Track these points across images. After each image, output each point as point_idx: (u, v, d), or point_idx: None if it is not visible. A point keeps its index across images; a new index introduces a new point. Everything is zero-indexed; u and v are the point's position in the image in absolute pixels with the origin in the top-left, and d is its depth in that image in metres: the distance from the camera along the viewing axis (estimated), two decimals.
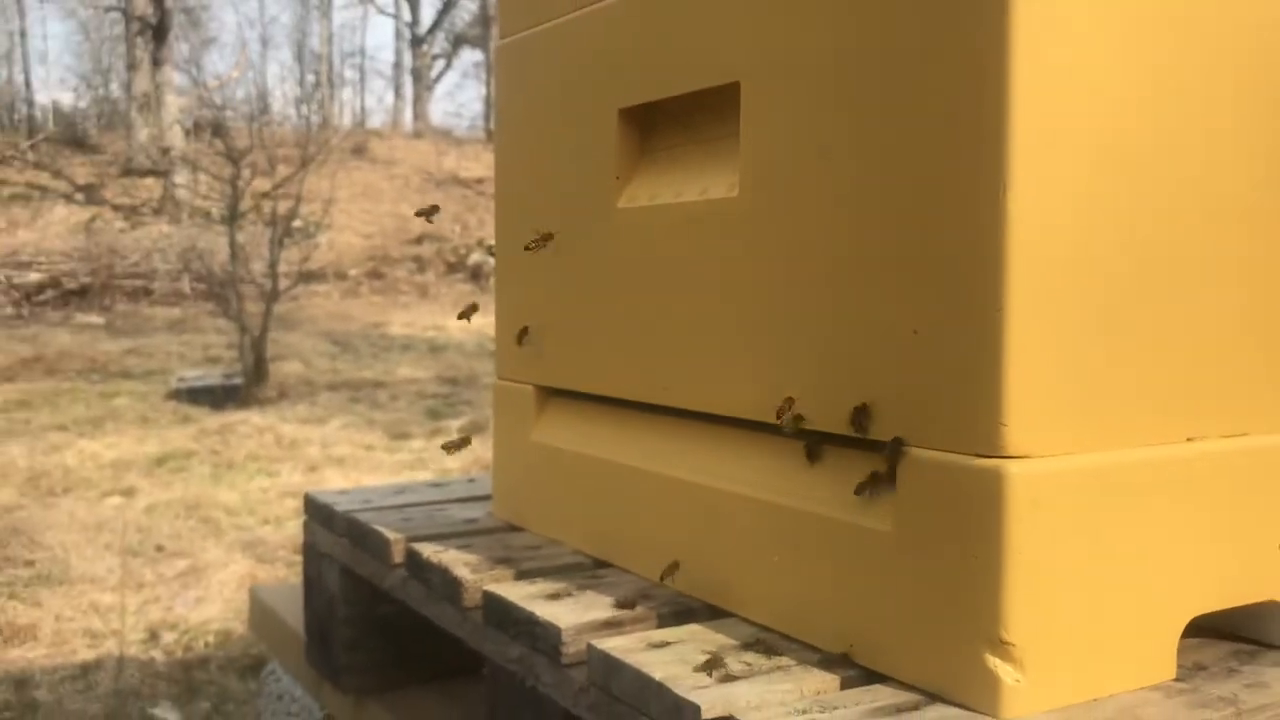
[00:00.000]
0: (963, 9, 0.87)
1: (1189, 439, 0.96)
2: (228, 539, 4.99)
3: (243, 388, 8.50)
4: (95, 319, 12.96)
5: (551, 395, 1.45)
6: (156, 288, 13.99)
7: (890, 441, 0.93)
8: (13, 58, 25.81)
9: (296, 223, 10.73)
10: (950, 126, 0.88)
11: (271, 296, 8.92)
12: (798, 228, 1.03)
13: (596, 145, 1.30)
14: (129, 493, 5.83)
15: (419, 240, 16.49)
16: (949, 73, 0.88)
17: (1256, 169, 0.99)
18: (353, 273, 15.34)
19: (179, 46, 19.03)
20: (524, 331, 1.44)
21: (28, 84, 25.49)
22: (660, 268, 1.20)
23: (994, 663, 0.86)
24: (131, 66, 18.89)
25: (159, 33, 17.68)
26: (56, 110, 23.54)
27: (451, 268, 15.81)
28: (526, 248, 1.36)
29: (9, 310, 13.38)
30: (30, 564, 4.61)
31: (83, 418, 7.88)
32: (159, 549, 4.83)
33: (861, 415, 0.96)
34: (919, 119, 0.91)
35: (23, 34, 25.60)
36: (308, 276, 12.37)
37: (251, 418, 7.63)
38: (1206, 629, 1.05)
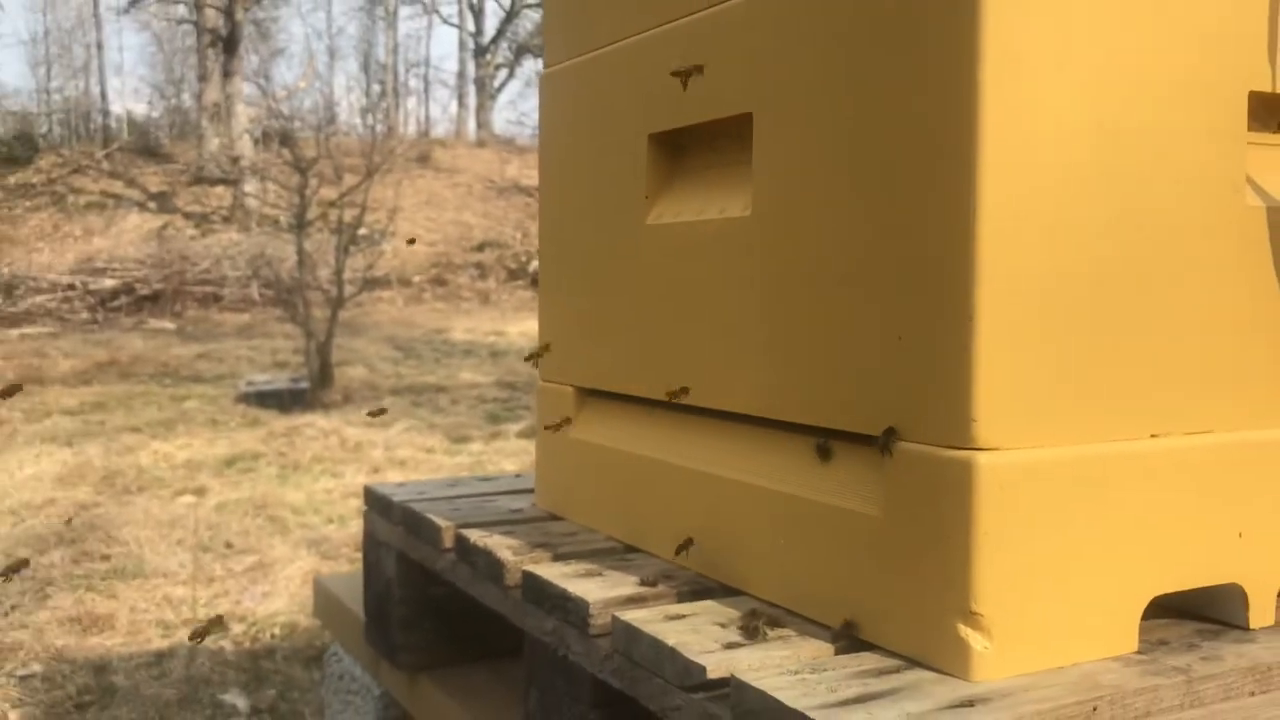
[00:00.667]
0: (938, 51, 0.98)
1: (1153, 435, 1.06)
2: (293, 537, 5.18)
3: (309, 391, 8.74)
4: (167, 324, 13.35)
5: (589, 396, 1.57)
6: (226, 294, 14.36)
7: (883, 431, 1.04)
8: (89, 69, 26.57)
9: (362, 231, 11.00)
10: (928, 155, 0.99)
11: (337, 303, 9.16)
12: (801, 243, 1.14)
13: (629, 167, 1.42)
14: (200, 492, 6.05)
15: (481, 247, 16.75)
16: (926, 106, 0.99)
17: (1215, 177, 1.08)
18: (416, 279, 15.63)
19: (249, 58, 19.50)
20: (545, 348, 1.59)
21: (103, 95, 26.23)
22: (683, 280, 1.32)
23: (965, 631, 0.97)
24: (203, 78, 19.39)
25: (229, 44, 18.14)
26: (130, 120, 24.20)
27: (512, 274, 16.05)
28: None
29: (84, 316, 13.81)
30: (107, 558, 4.83)
31: (155, 420, 8.16)
32: (228, 545, 5.03)
33: (889, 436, 1.04)
34: (902, 147, 1.02)
35: (99, 46, 26.35)
36: (372, 283, 12.66)
37: (317, 421, 7.86)
38: (1176, 610, 1.15)
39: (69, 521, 5.24)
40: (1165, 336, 1.06)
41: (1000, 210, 0.96)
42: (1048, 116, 0.98)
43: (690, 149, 1.37)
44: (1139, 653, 1.04)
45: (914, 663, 1.01)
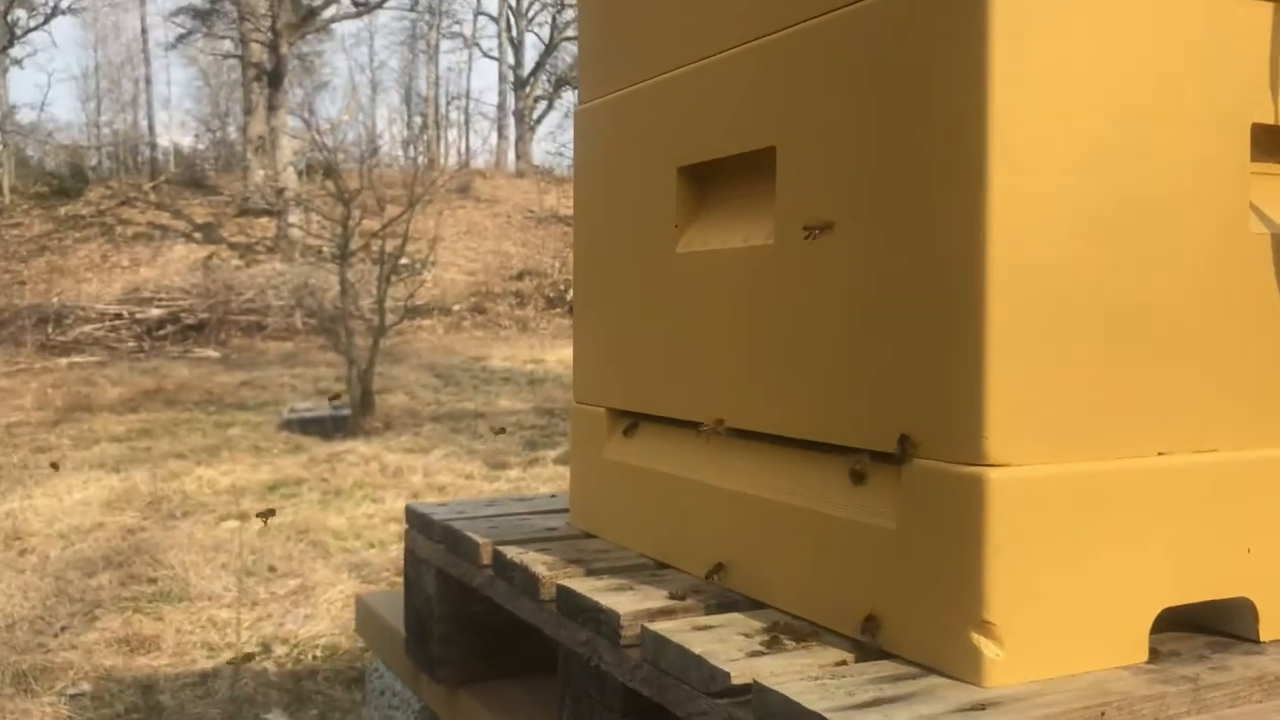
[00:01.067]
0: (947, 85, 1.04)
1: (1160, 453, 1.10)
2: (335, 561, 5.26)
3: (350, 419, 8.85)
4: (212, 353, 13.56)
5: (621, 417, 1.63)
6: (270, 323, 14.57)
7: (899, 439, 1.09)
8: (138, 104, 27.13)
9: (403, 261, 11.16)
10: (939, 181, 1.05)
11: (378, 331, 9.29)
12: (821, 270, 1.20)
13: (659, 198, 1.49)
14: (243, 517, 6.15)
15: (520, 276, 16.90)
16: (938, 135, 1.05)
17: (1220, 204, 1.13)
18: (456, 308, 15.80)
19: (293, 91, 19.84)
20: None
21: (151, 128, 26.77)
22: (711, 305, 1.38)
23: (978, 639, 1.01)
24: (248, 111, 19.75)
25: (274, 78, 18.48)
26: (177, 153, 24.66)
27: (551, 302, 16.19)
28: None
29: (131, 344, 14.06)
30: (153, 581, 4.93)
31: (200, 446, 8.31)
32: (271, 569, 5.12)
33: (904, 444, 1.10)
34: (915, 175, 1.08)
35: (147, 81, 26.93)
36: (413, 312, 12.81)
37: (358, 447, 7.97)
38: (1189, 624, 1.18)
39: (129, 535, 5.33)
40: (1171, 359, 1.10)
41: (1009, 235, 1.01)
42: (1054, 145, 1.03)
43: (717, 181, 1.43)
44: (1149, 663, 1.08)
45: (930, 670, 1.05)
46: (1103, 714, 0.97)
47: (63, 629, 4.34)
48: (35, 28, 18.49)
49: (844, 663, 1.10)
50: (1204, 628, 1.19)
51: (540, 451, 7.86)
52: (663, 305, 1.49)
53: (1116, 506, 1.07)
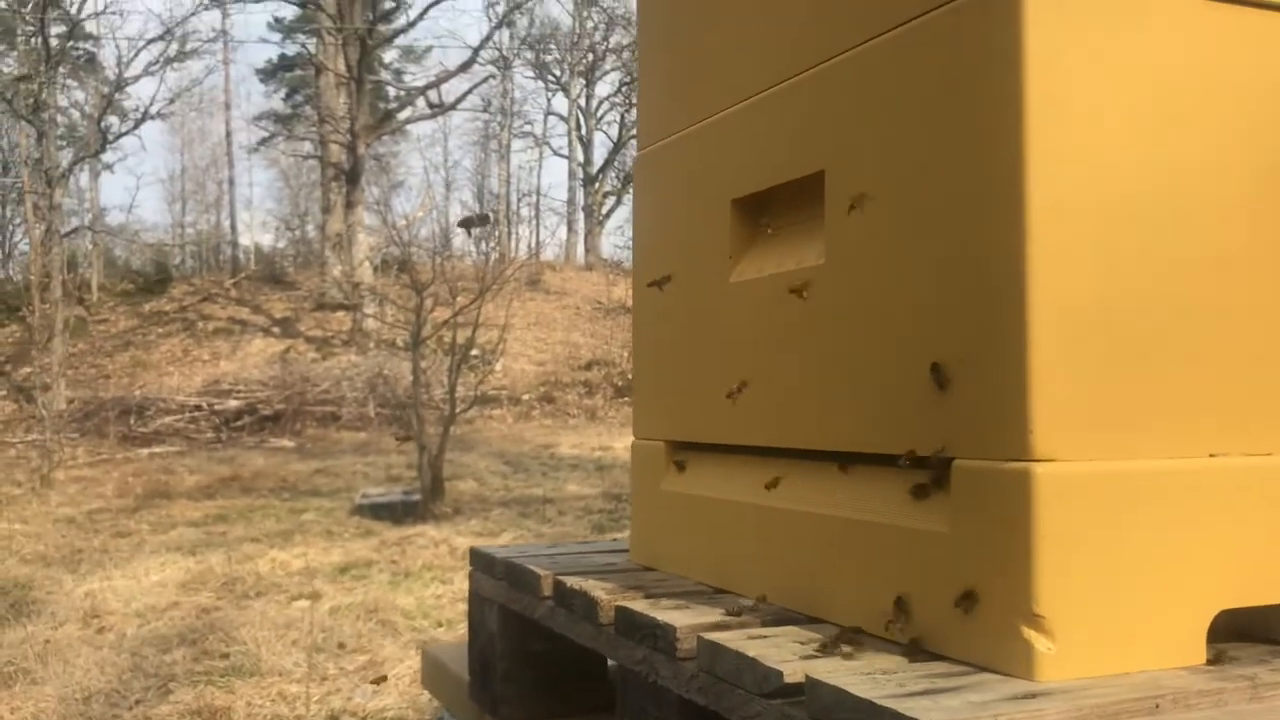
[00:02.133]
0: (986, 102, 1.08)
1: (1211, 455, 1.10)
2: (404, 639, 5.29)
3: (421, 504, 8.94)
4: (287, 442, 13.81)
5: (679, 449, 1.66)
6: (344, 413, 14.81)
7: (936, 457, 1.11)
8: (221, 204, 28.08)
9: (474, 351, 11.34)
10: (980, 189, 1.08)
11: (449, 419, 9.41)
12: (871, 283, 1.23)
13: (713, 231, 1.53)
14: (314, 596, 6.22)
15: (588, 366, 17.05)
16: (978, 149, 1.08)
17: (1266, 208, 1.14)
18: (526, 397, 15.94)
19: (370, 190, 20.42)
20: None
21: (233, 227, 27.65)
22: (765, 330, 1.42)
23: (1029, 633, 1.02)
24: (326, 209, 20.34)
25: (352, 177, 19.05)
26: (258, 251, 25.41)
27: (619, 391, 16.27)
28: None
29: (209, 435, 14.36)
30: (225, 656, 4.99)
31: (274, 531, 8.43)
32: (341, 646, 5.15)
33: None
34: (957, 184, 1.11)
35: (231, 182, 27.87)
36: (483, 401, 12.96)
37: (428, 531, 8.04)
38: (1249, 634, 1.17)
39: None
40: (1220, 361, 1.11)
41: (1049, 232, 1.03)
42: (1094, 147, 1.06)
43: (769, 211, 1.47)
44: (1206, 665, 1.07)
45: (982, 669, 1.06)
46: (1157, 706, 0.97)
47: (137, 702, 4.40)
48: (126, 132, 19.29)
49: (898, 666, 1.10)
50: (1264, 637, 1.18)
51: (608, 534, 7.86)
52: (718, 334, 1.52)
53: (1166, 505, 1.07)
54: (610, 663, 1.71)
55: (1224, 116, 1.13)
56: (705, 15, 1.61)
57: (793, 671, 1.07)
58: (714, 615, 1.33)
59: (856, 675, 1.04)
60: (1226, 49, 1.13)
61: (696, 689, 1.21)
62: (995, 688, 0.99)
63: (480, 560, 1.89)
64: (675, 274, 1.64)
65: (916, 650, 1.13)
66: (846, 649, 1.16)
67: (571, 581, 1.57)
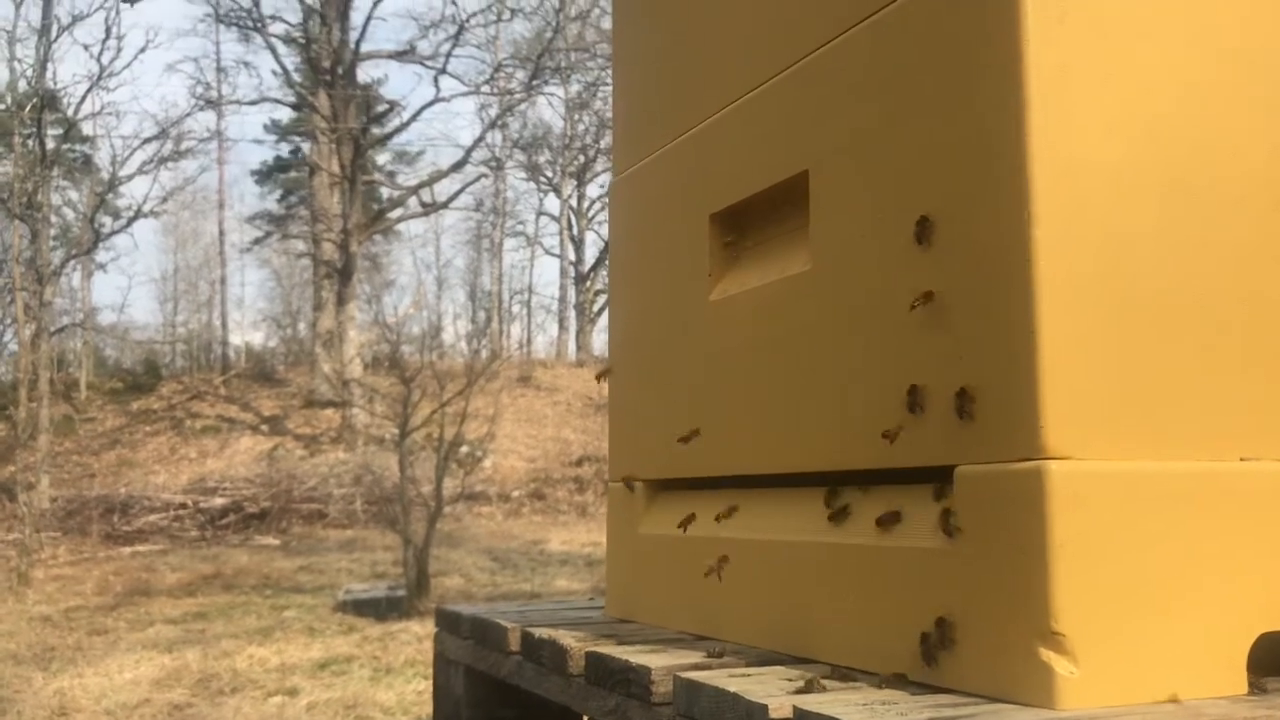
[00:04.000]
0: (984, 82, 0.98)
1: (1242, 459, 0.99)
2: None
3: (406, 599, 8.70)
4: (272, 540, 13.55)
5: (657, 491, 1.54)
6: (331, 511, 14.57)
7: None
8: (213, 303, 28.09)
9: (464, 447, 11.18)
10: (979, 175, 0.98)
11: (435, 512, 9.23)
12: (861, 285, 1.13)
13: (691, 249, 1.43)
14: (292, 692, 5.98)
15: (579, 462, 16.86)
16: (976, 133, 0.99)
17: None
18: (515, 494, 15.72)
19: (361, 288, 20.43)
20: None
21: (224, 326, 27.62)
22: (748, 346, 1.31)
23: (1047, 655, 0.89)
24: (317, 307, 20.32)
25: (344, 275, 19.06)
26: (248, 349, 25.35)
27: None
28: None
29: (194, 533, 14.10)
30: None
31: (254, 628, 8.18)
32: None
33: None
34: (953, 173, 1.01)
35: (223, 281, 27.91)
36: (472, 498, 12.73)
37: (412, 627, 7.80)
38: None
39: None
40: (1252, 357, 1.01)
41: (1055, 218, 0.94)
42: (1100, 127, 0.97)
43: (749, 223, 1.38)
44: (1248, 695, 0.94)
45: (994, 699, 0.93)
46: None
47: None
48: (119, 230, 19.32)
49: (899, 698, 0.97)
50: None
51: None
52: (697, 360, 1.42)
53: (1196, 511, 0.95)
54: None
55: (1242, 90, 1.04)
56: (678, 31, 1.53)
57: (779, 706, 0.94)
58: (693, 657, 1.20)
59: (853, 707, 0.91)
60: (1243, 17, 1.05)
61: None
62: (1011, 718, 0.86)
63: (446, 620, 1.75)
64: (652, 299, 1.54)
65: (917, 684, 1.00)
66: (837, 683, 1.03)
67: (540, 632, 1.43)
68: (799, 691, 0.99)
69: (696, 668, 1.15)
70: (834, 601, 1.14)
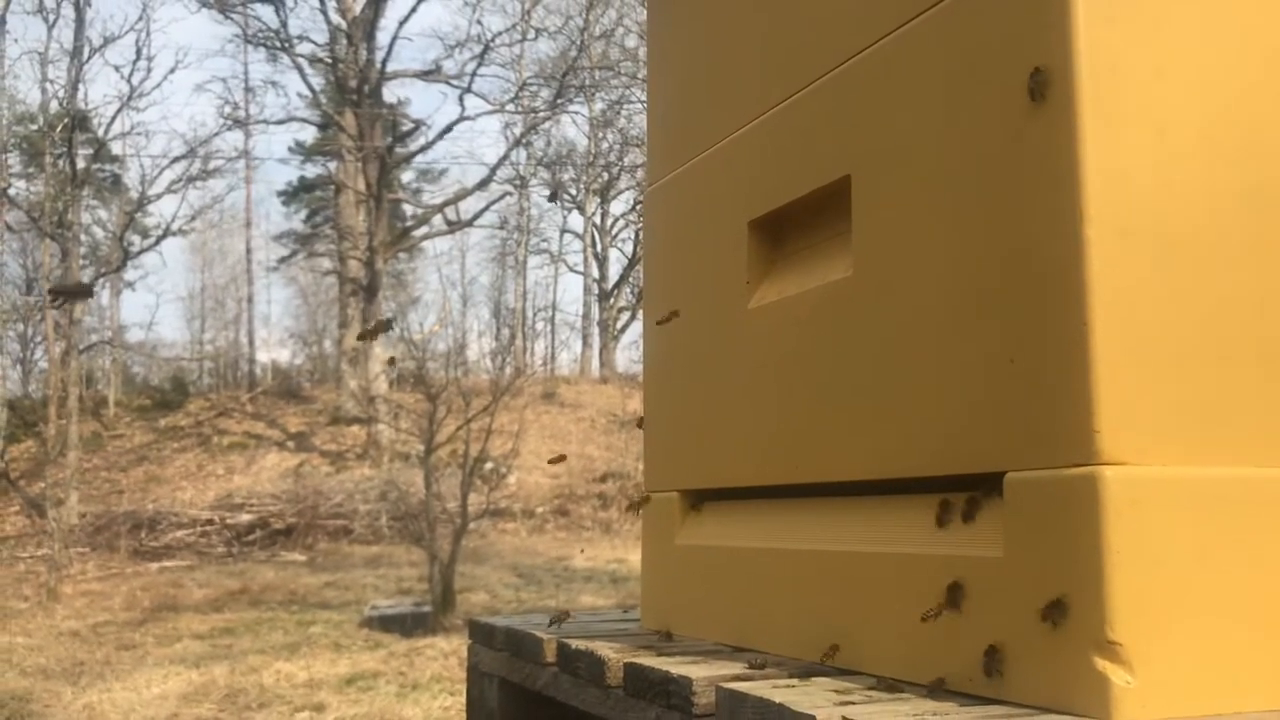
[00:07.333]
0: (1034, 78, 0.97)
1: None
2: None
3: (431, 615, 8.70)
4: (298, 556, 13.58)
5: (694, 501, 1.52)
6: (356, 527, 14.60)
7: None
8: (240, 321, 28.27)
9: (488, 465, 11.19)
10: (1028, 177, 0.97)
11: (460, 529, 9.23)
12: (906, 292, 1.11)
13: (729, 256, 1.42)
14: (319, 708, 5.99)
15: (603, 478, 16.83)
16: (1026, 137, 0.97)
17: None
18: (540, 510, 15.71)
19: (387, 305, 20.52)
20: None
21: (251, 344, 27.79)
22: (788, 355, 1.29)
23: (1103, 665, 0.87)
24: (343, 324, 20.40)
25: (370, 292, 19.14)
26: (275, 367, 25.47)
27: (634, 504, 16.00)
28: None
29: (221, 549, 14.15)
30: None
31: (280, 643, 8.19)
32: None
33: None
34: (1001, 176, 1.00)
35: (250, 299, 28.07)
36: (497, 514, 12.73)
37: (438, 643, 7.80)
38: None
39: None
40: None
41: (1106, 221, 0.92)
42: (1155, 120, 0.95)
43: (788, 232, 1.36)
44: None
45: (1048, 710, 0.91)
46: None
47: None
48: (147, 249, 19.50)
49: (948, 710, 0.95)
50: None
51: None
52: (737, 368, 1.40)
53: (1259, 518, 0.93)
54: None
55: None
56: (714, 36, 1.52)
57: (827, 717, 0.92)
58: (735, 668, 1.18)
59: (903, 718, 0.89)
60: None
61: None
62: None
63: (480, 632, 1.73)
64: (689, 308, 1.52)
65: (970, 696, 0.98)
66: (885, 694, 1.01)
67: (577, 643, 1.42)
68: (846, 703, 0.97)
69: (739, 679, 1.13)
70: (878, 612, 1.12)
